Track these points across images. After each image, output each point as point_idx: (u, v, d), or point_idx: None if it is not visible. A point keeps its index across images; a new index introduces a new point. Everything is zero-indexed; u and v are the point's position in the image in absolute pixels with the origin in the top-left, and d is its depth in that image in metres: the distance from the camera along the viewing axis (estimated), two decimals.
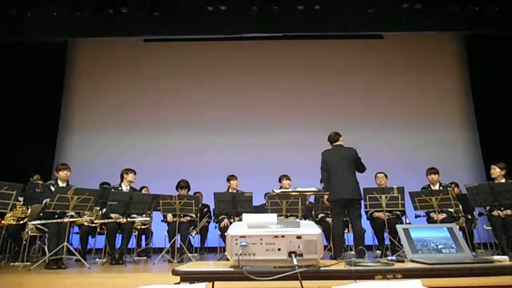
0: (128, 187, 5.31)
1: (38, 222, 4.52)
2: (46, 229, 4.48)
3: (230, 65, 8.47)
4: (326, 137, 4.82)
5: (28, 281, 3.52)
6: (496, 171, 4.99)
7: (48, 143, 7.83)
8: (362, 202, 4.73)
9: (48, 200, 4.46)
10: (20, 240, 4.85)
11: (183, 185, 5.74)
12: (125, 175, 5.31)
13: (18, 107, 7.43)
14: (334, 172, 4.50)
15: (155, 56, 8.54)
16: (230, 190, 5.65)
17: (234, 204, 5.22)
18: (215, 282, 1.76)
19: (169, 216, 5.47)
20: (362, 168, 4.63)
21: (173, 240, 5.17)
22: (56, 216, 4.51)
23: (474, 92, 8.24)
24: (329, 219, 5.44)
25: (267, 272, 1.59)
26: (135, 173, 5.37)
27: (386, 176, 5.72)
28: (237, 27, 6.69)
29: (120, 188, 5.24)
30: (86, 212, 4.83)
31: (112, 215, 4.92)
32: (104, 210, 5.02)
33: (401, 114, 8.21)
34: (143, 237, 6.11)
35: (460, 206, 5.35)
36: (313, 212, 5.77)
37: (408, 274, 1.65)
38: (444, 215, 5.19)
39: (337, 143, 4.70)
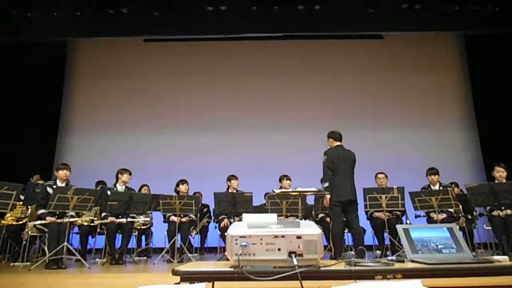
0: (123, 188, 5.30)
1: (39, 222, 4.52)
2: (46, 229, 4.49)
3: (230, 65, 8.47)
4: (326, 137, 4.81)
5: (28, 281, 3.52)
6: (504, 174, 4.87)
7: (48, 143, 7.81)
8: (362, 203, 4.73)
9: (43, 210, 4.52)
10: (20, 240, 4.86)
11: (182, 181, 5.70)
12: (120, 175, 5.30)
13: (18, 107, 7.42)
14: (338, 172, 4.49)
15: (155, 56, 8.53)
16: (230, 190, 5.64)
17: (234, 204, 5.22)
18: (215, 282, 1.76)
19: (173, 218, 5.35)
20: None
21: (173, 240, 5.16)
22: (56, 216, 4.52)
23: (474, 92, 8.23)
24: (329, 219, 5.43)
25: (267, 272, 1.59)
26: (130, 174, 5.35)
27: (386, 176, 5.72)
28: (237, 27, 6.69)
29: (115, 189, 5.22)
30: (85, 212, 4.83)
31: (109, 219, 4.91)
32: (104, 214, 5.01)
33: (401, 114, 8.20)
34: (143, 237, 6.11)
35: (460, 206, 5.34)
36: (313, 212, 5.76)
37: (408, 274, 1.65)
38: (444, 215, 5.18)
39: (340, 143, 4.73)
